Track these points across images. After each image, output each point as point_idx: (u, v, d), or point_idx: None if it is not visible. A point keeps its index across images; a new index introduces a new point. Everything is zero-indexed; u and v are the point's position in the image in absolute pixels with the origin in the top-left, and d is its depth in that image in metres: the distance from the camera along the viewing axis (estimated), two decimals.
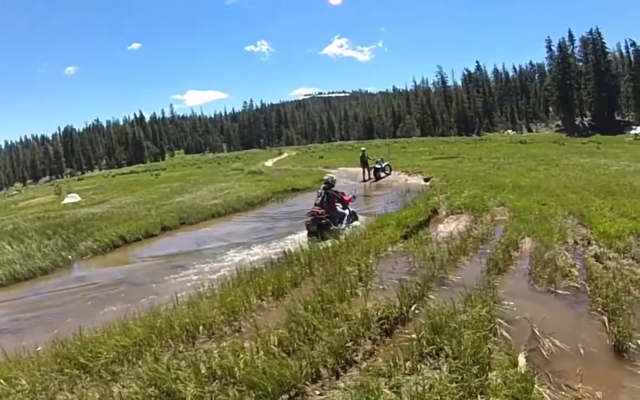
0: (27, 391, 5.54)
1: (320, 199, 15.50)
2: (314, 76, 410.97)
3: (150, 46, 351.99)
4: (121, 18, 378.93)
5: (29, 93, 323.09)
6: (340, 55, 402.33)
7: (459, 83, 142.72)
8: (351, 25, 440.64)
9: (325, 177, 16.78)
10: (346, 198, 16.14)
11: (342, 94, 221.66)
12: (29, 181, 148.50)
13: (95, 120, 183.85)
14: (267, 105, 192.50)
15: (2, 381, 5.81)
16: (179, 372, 5.26)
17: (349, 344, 5.54)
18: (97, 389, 5.39)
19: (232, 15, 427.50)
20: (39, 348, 7.02)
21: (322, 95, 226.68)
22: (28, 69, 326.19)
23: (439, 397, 4.31)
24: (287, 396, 4.83)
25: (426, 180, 26.13)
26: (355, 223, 15.39)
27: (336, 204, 15.44)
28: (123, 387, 5.25)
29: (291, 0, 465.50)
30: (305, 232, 14.65)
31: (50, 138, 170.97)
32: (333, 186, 16.01)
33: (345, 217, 15.35)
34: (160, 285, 11.20)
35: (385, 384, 4.69)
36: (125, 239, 17.05)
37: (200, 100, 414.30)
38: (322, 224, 14.42)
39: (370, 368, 5.07)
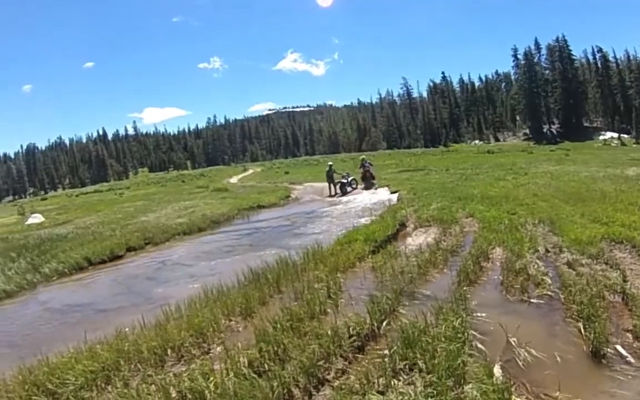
0: None
1: (370, 169, 30.99)
2: (270, 91, 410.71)
3: (103, 65, 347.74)
4: (73, 37, 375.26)
5: None
6: (294, 69, 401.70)
7: (425, 94, 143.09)
8: (303, 38, 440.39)
9: (363, 157, 34.76)
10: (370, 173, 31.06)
11: (307, 108, 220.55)
12: None
13: (57, 138, 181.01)
14: (231, 121, 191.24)
15: None
16: (149, 397, 5.23)
17: (321, 363, 5.49)
18: None
19: (180, 32, 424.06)
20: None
21: (287, 110, 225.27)
22: None
23: None
24: None
25: (393, 193, 25.94)
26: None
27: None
28: None
29: (240, 16, 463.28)
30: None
31: (13, 156, 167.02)
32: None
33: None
34: (127, 308, 10.89)
35: None
36: (90, 261, 16.63)
37: (158, 117, 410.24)
38: (372, 182, 30.38)
39: (343, 386, 5.01)
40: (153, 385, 5.52)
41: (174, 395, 5.25)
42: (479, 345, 5.71)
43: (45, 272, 15.50)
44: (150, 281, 13.42)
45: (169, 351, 6.58)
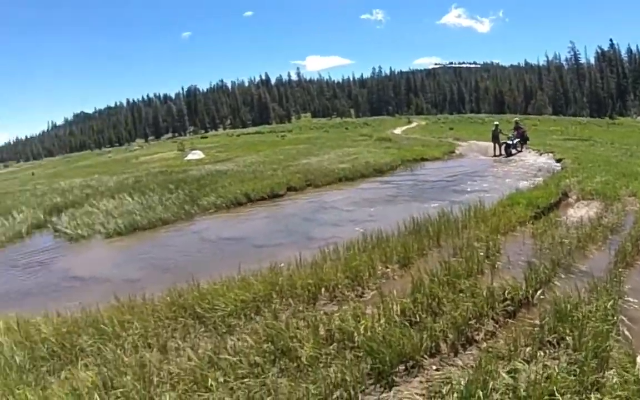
0: (138, 335, 5.97)
1: (525, 132, 31.41)
2: (433, 45, 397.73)
3: (262, 14, 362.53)
4: None
5: (148, 55, 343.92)
6: (458, 25, 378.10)
7: (592, 61, 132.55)
8: None
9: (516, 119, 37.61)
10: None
11: (473, 65, 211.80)
12: (150, 138, 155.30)
13: (219, 80, 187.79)
14: (396, 72, 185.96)
15: (116, 323, 6.29)
16: (297, 331, 5.50)
17: (472, 322, 5.57)
18: (210, 339, 5.75)
19: None
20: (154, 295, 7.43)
21: (452, 66, 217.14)
22: (146, 34, 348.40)
23: (554, 388, 4.22)
24: (403, 367, 4.92)
25: (558, 161, 24.68)
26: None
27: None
28: (238, 340, 5.54)
29: None
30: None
31: (174, 97, 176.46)
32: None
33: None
34: (284, 245, 11.40)
35: (503, 368, 4.66)
36: (249, 197, 17.51)
37: (321, 65, 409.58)
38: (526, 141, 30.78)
39: (491, 350, 5.05)
40: (302, 321, 5.84)
41: (322, 332, 5.50)
42: (626, 332, 5.51)
43: (203, 205, 16.70)
44: (308, 222, 13.97)
45: (322, 290, 6.91)
